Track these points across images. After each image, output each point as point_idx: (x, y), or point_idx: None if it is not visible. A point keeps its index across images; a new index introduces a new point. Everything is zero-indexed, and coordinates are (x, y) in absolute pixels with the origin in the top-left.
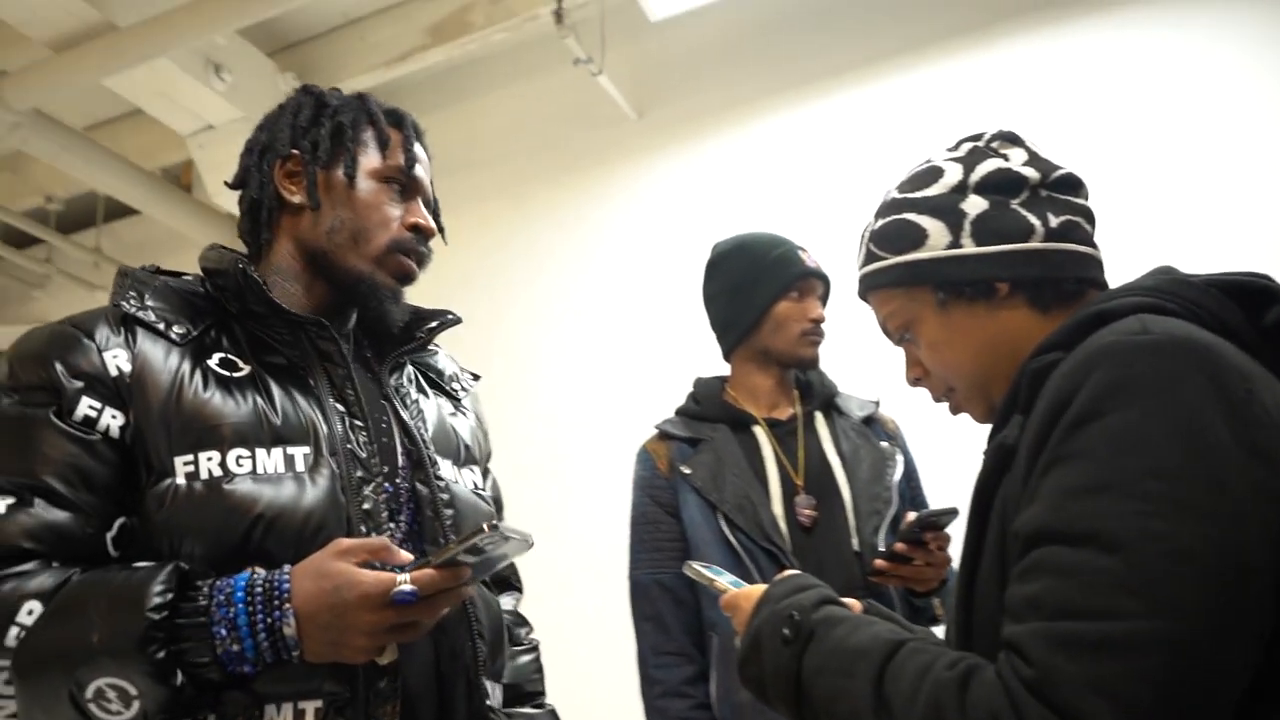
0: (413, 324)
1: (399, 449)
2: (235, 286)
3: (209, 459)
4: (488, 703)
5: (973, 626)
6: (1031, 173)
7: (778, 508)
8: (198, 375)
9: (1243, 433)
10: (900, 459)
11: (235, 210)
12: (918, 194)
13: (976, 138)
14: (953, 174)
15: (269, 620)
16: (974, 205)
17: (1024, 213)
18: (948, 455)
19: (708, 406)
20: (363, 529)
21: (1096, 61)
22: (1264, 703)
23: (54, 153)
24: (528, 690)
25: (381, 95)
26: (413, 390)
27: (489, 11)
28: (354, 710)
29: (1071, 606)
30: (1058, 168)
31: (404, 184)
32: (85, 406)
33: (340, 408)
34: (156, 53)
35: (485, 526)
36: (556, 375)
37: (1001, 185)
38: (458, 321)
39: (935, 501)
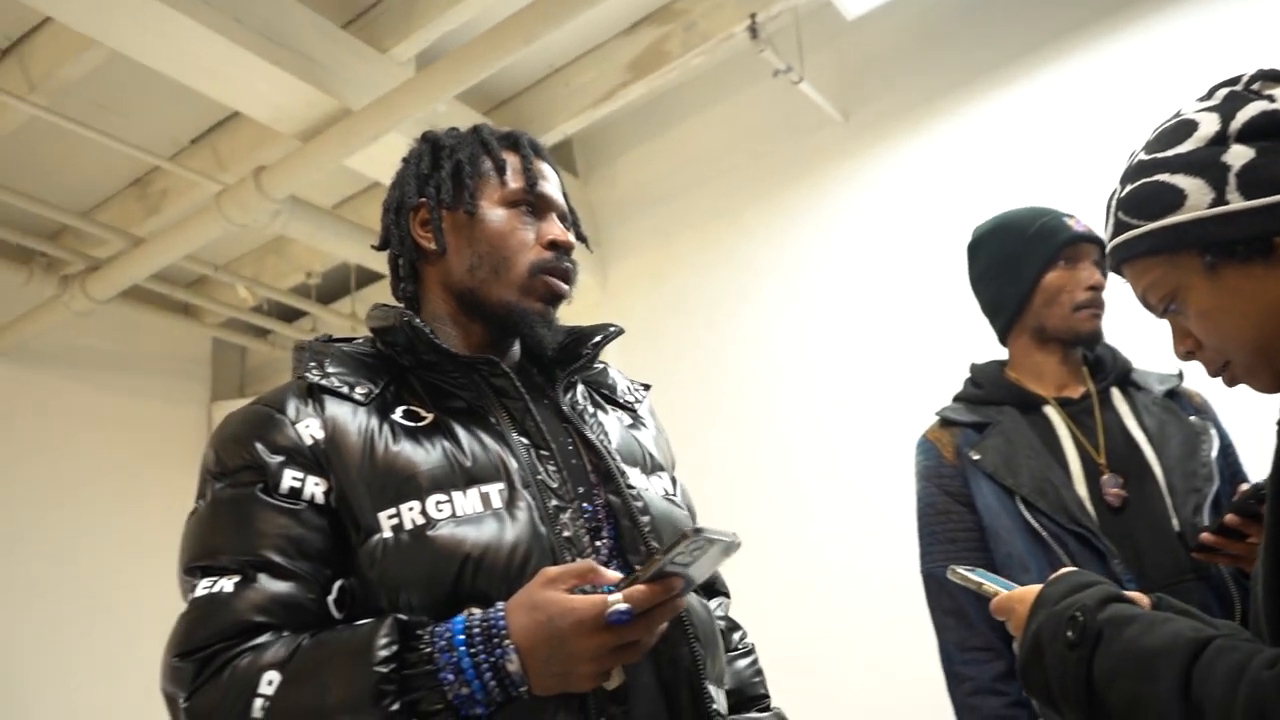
0: (575, 343)
1: (587, 467)
2: (405, 340)
3: (410, 509)
4: (714, 707)
5: None
6: None
7: (1081, 488)
8: (386, 430)
9: None
10: (1214, 433)
11: None
12: (1170, 152)
13: (1232, 82)
14: (1208, 125)
15: (491, 659)
16: (1238, 156)
17: None
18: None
19: (991, 389)
20: (567, 556)
21: None
22: None
23: (310, 232)
24: (750, 694)
25: (589, 135)
26: (589, 406)
27: (684, 39)
28: None
29: None
30: None
31: (532, 203)
32: (289, 479)
33: (524, 440)
34: (387, 129)
35: (687, 533)
36: (793, 387)
37: (1268, 129)
38: (620, 333)
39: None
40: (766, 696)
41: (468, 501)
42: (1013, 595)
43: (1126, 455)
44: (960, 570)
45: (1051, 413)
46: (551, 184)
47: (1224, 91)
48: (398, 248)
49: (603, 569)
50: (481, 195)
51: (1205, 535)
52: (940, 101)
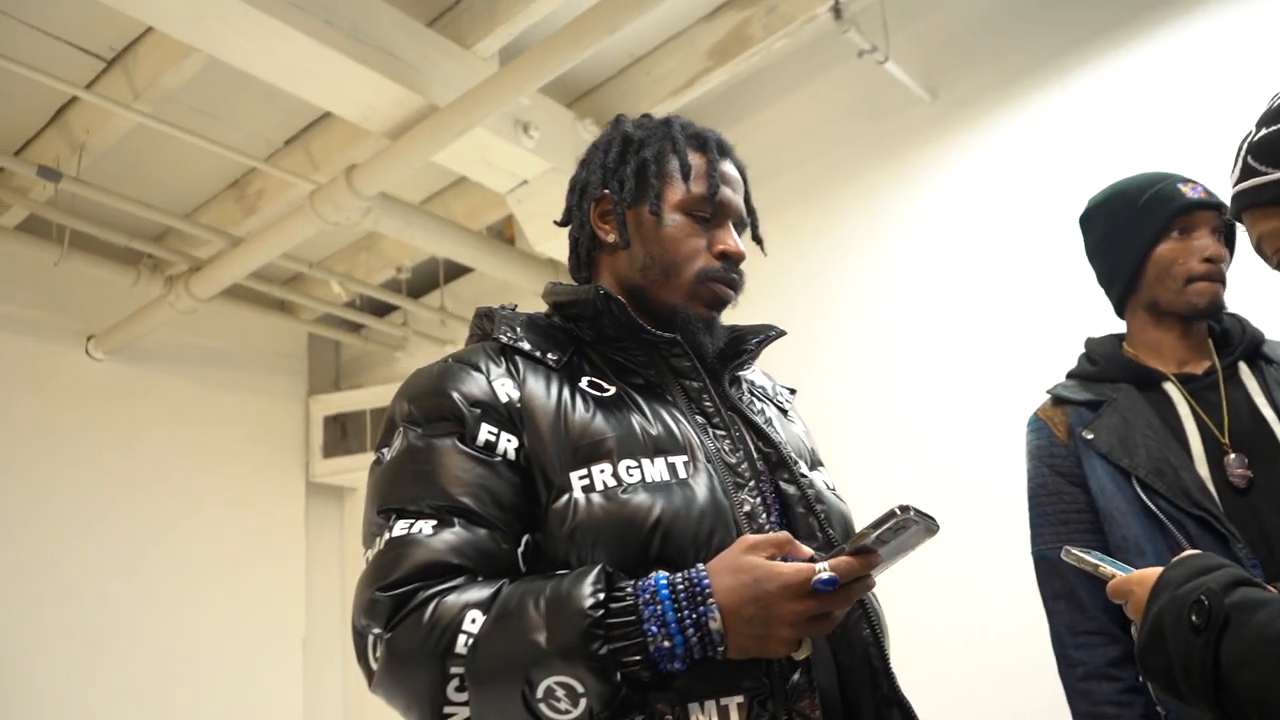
0: (737, 340)
1: (756, 454)
2: (593, 314)
3: (601, 471)
4: (898, 686)
5: None
6: None
7: (1202, 469)
8: (576, 396)
9: None
10: None
11: (555, 256)
12: None
13: None
14: None
15: (695, 615)
16: None
17: None
18: None
19: (1106, 365)
20: (747, 529)
21: None
22: None
23: (399, 228)
24: None
25: None
26: (755, 399)
27: (766, 22)
28: (775, 704)
29: None
30: None
31: (711, 209)
32: (485, 432)
33: (700, 419)
34: (473, 124)
35: (896, 510)
36: (885, 369)
37: None
38: (782, 334)
39: None
40: None
41: (655, 469)
42: (1131, 578)
43: (1254, 434)
44: (1075, 551)
45: (1171, 390)
46: (733, 188)
47: None
48: (577, 230)
49: (799, 543)
50: (663, 197)
51: None
52: (1027, 78)
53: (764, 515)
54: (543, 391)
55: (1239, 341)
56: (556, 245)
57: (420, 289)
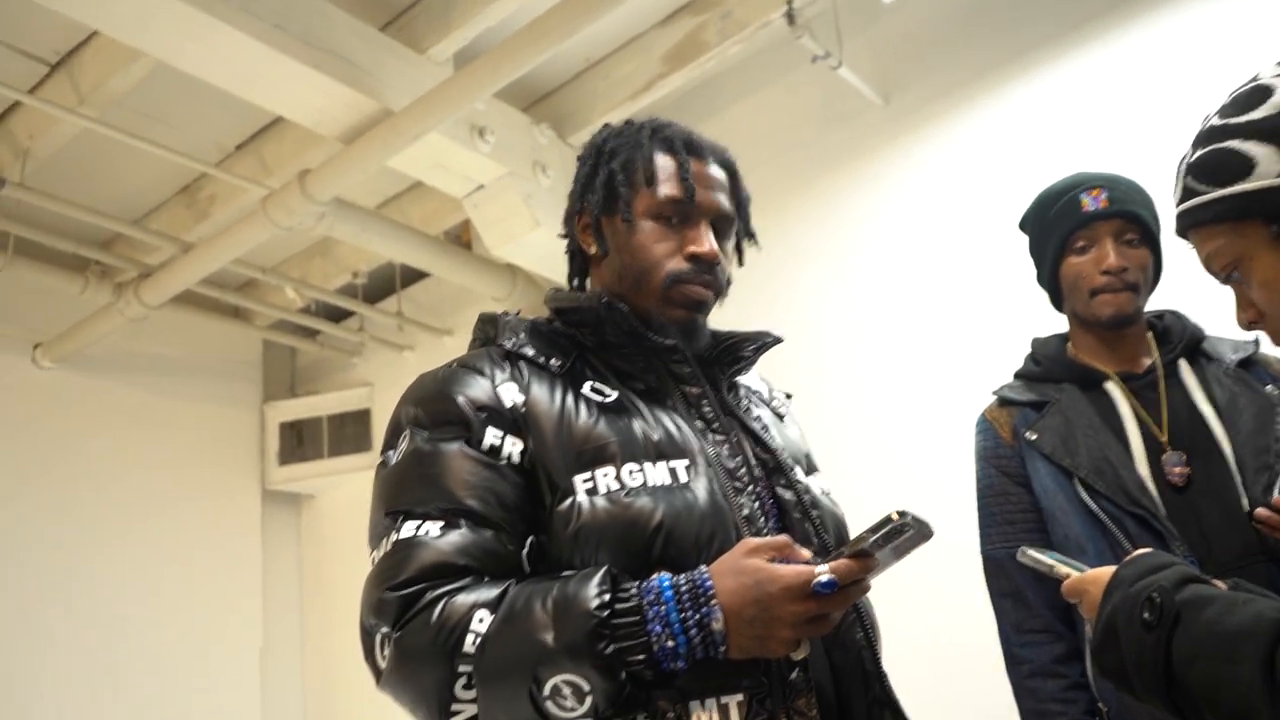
0: (736, 345)
1: (753, 460)
2: (595, 320)
3: (605, 475)
4: (890, 686)
5: None
6: None
7: (1142, 468)
8: (579, 402)
9: None
10: None
11: (513, 260)
12: (1242, 118)
13: None
14: None
15: (698, 616)
16: None
17: None
18: None
19: (1050, 366)
20: (746, 533)
21: None
22: None
23: (355, 233)
24: None
25: None
26: (752, 406)
27: (721, 27)
28: (774, 702)
29: None
30: None
31: (681, 212)
32: (491, 436)
33: (700, 424)
34: (427, 129)
35: (894, 514)
36: (839, 374)
37: None
38: (779, 341)
39: None
40: None
41: (657, 473)
42: (1085, 577)
43: (1192, 431)
44: (1031, 552)
45: (1113, 389)
46: (708, 188)
47: None
48: (569, 245)
49: (798, 546)
50: (633, 204)
51: (1260, 511)
52: (980, 82)
53: (762, 519)
54: (546, 396)
55: (1179, 339)
56: (514, 250)
57: (377, 294)
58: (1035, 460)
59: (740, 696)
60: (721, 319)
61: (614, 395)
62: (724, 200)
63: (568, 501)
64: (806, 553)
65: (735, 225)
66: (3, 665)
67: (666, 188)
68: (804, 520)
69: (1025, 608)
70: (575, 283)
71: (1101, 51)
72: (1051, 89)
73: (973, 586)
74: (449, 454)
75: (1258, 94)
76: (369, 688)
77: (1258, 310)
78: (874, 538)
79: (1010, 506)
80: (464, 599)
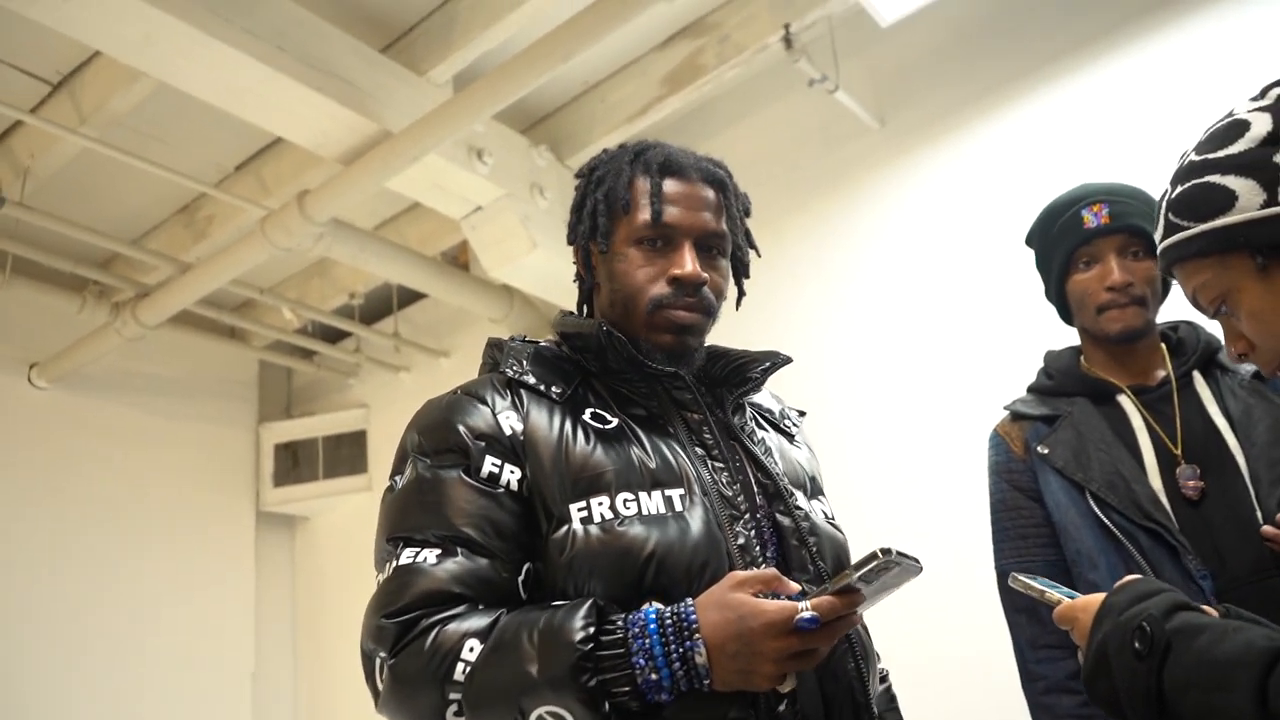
0: (744, 366)
1: (754, 486)
2: (597, 347)
3: (599, 504)
4: (876, 717)
5: None
6: None
7: (1155, 482)
8: (578, 429)
9: None
10: None
11: (510, 282)
12: (1221, 153)
13: None
14: (1260, 125)
15: (681, 649)
16: None
17: None
18: None
19: (1063, 380)
20: (740, 563)
21: None
22: None
23: (353, 254)
24: None
25: None
26: (756, 428)
27: (719, 51)
28: None
29: None
30: None
31: (660, 236)
32: (489, 464)
33: (700, 451)
34: (426, 150)
35: (879, 552)
36: (836, 396)
37: None
38: (788, 361)
39: None
40: None
41: (652, 502)
42: (1075, 604)
43: (1205, 444)
44: (1021, 578)
45: (1125, 402)
46: (688, 207)
47: (1276, 91)
48: (575, 276)
49: (786, 579)
50: (614, 233)
51: (1266, 529)
52: (976, 106)
53: (758, 548)
54: (545, 424)
55: (1193, 350)
56: (512, 271)
57: (373, 315)
58: (1047, 474)
59: None
60: (715, 339)
61: (614, 422)
62: (708, 218)
63: (563, 529)
64: (795, 586)
65: (729, 241)
66: None
67: (642, 212)
68: (800, 548)
69: (1040, 623)
70: (585, 309)
71: (1097, 74)
72: (1047, 112)
73: (972, 602)
74: (448, 482)
75: (1235, 129)
76: (361, 711)
77: (1248, 342)
78: (859, 574)
79: (1023, 521)
80: (455, 628)
